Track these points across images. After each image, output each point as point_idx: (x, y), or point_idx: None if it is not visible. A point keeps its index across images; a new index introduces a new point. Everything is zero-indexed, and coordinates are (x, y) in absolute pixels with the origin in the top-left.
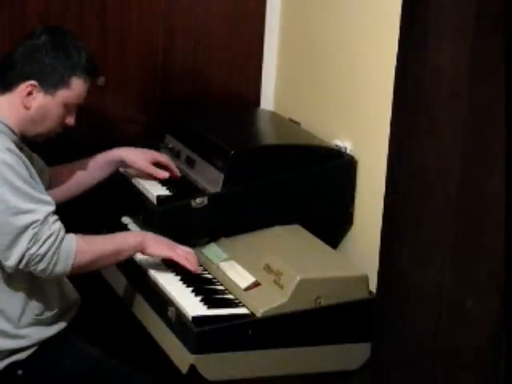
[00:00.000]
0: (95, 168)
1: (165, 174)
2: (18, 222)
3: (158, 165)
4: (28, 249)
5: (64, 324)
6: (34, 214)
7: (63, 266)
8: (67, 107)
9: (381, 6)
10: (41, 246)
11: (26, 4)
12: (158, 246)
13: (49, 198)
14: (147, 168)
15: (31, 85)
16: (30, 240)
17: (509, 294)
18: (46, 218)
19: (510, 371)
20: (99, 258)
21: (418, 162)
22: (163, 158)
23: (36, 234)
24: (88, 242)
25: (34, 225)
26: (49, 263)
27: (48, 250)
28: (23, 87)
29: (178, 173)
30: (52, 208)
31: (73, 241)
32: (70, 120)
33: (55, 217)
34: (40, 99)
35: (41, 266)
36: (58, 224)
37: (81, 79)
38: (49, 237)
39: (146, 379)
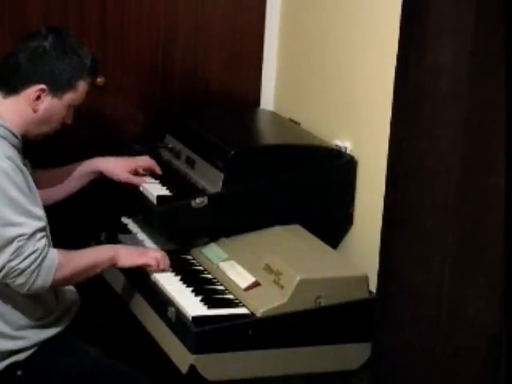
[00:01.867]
0: (73, 177)
1: (145, 181)
2: (5, 233)
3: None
4: (9, 261)
5: (63, 325)
6: (22, 228)
7: (42, 282)
8: (70, 108)
9: (381, 5)
10: (22, 261)
11: (26, 4)
12: (129, 257)
13: (41, 213)
14: (126, 179)
15: (40, 89)
16: (13, 253)
17: (509, 294)
18: (33, 234)
19: (510, 371)
20: (77, 273)
21: (417, 162)
22: (142, 161)
23: (20, 247)
24: (67, 258)
25: (20, 238)
26: (28, 278)
27: (29, 266)
28: (32, 91)
29: (159, 171)
30: (41, 224)
31: (54, 257)
32: (69, 119)
33: (42, 233)
34: (48, 102)
35: (19, 281)
36: (44, 241)
37: (86, 81)
38: (32, 253)
39: (146, 379)
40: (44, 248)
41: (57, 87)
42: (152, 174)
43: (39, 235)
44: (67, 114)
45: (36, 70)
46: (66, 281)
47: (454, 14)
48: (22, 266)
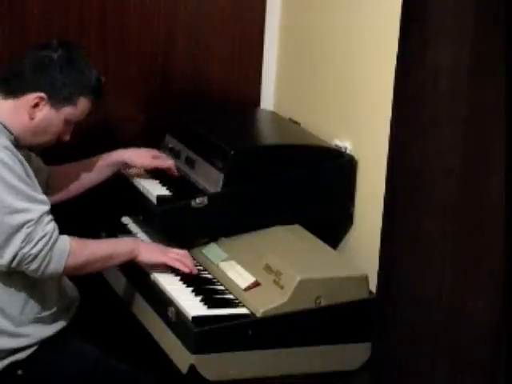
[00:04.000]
0: (96, 170)
1: (170, 163)
2: (12, 220)
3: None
4: (21, 248)
5: (64, 322)
6: (28, 214)
7: (55, 266)
8: (67, 123)
9: (381, 5)
10: (34, 246)
11: (26, 4)
12: (150, 252)
13: (44, 198)
14: (152, 163)
15: (39, 97)
16: (24, 239)
17: (509, 294)
18: (40, 218)
19: (510, 371)
20: (91, 262)
21: (418, 162)
22: (163, 156)
23: (29, 233)
24: (81, 244)
25: (28, 224)
26: (41, 263)
27: (41, 251)
28: (31, 97)
29: (176, 173)
30: (47, 207)
31: (66, 242)
32: (66, 137)
33: (50, 217)
34: (45, 112)
35: (33, 266)
36: (52, 224)
37: (87, 99)
38: (42, 237)
39: (146, 379)
40: (53, 231)
41: (56, 99)
42: (158, 172)
43: (46, 219)
44: (64, 129)
45: (38, 78)
46: (81, 268)
47: (454, 14)
48: (34, 251)
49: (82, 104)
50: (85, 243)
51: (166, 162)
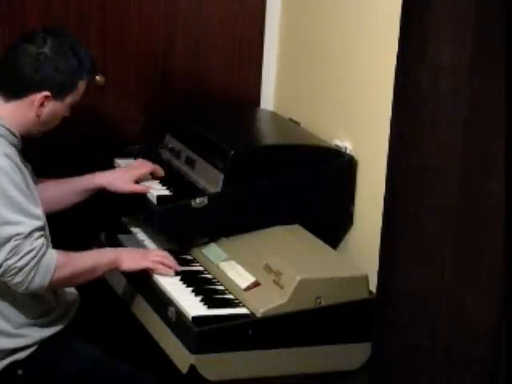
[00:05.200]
0: (75, 191)
1: (146, 189)
2: (2, 231)
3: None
4: (6, 259)
5: (64, 324)
6: (19, 227)
7: (40, 281)
8: (71, 107)
9: (381, 5)
10: (19, 259)
11: (26, 4)
12: (131, 260)
13: (39, 213)
14: (131, 190)
15: (45, 96)
16: (10, 251)
17: (509, 294)
18: (30, 233)
19: (510, 371)
20: (76, 275)
21: (417, 162)
22: (143, 168)
23: (17, 246)
24: (67, 258)
25: (17, 237)
26: (26, 277)
27: (26, 265)
28: (35, 98)
29: (162, 173)
30: (39, 223)
31: (53, 257)
32: (67, 113)
33: (40, 232)
34: (51, 106)
35: (17, 279)
36: (42, 240)
37: (85, 80)
38: (29, 251)
39: (146, 379)
40: (41, 247)
41: (60, 91)
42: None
43: (37, 234)
44: (66, 112)
45: (40, 78)
46: (65, 282)
47: (454, 13)
48: (19, 264)
49: (81, 85)
50: (70, 257)
51: (141, 189)
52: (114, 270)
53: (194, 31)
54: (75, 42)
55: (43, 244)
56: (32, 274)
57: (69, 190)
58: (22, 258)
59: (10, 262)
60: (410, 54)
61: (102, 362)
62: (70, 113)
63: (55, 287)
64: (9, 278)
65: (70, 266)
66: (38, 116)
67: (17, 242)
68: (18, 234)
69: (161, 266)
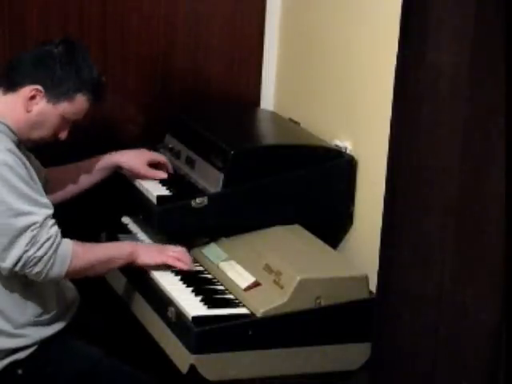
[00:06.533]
0: (91, 171)
1: (164, 175)
2: (17, 223)
3: (154, 165)
4: (26, 251)
5: (64, 323)
6: (33, 216)
7: (58, 270)
8: (64, 120)
9: (381, 5)
10: (38, 249)
11: (26, 4)
12: (148, 254)
13: (47, 201)
14: (146, 172)
15: (36, 89)
16: (28, 242)
17: (509, 294)
18: (44, 221)
19: (510, 371)
20: (92, 265)
21: (417, 162)
22: (160, 157)
23: (34, 236)
24: (83, 248)
25: (33, 227)
26: (44, 266)
27: (45, 254)
28: (27, 90)
29: (171, 170)
30: (50, 211)
31: (69, 246)
32: (63, 134)
33: (53, 220)
34: (42, 105)
35: (36, 269)
36: (56, 228)
37: (84, 97)
38: (47, 240)
39: (147, 379)
40: (57, 235)
41: (53, 93)
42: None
43: (50, 222)
44: (61, 126)
45: (36, 71)
46: (82, 271)
47: (454, 13)
48: (38, 254)
49: (79, 101)
50: (86, 247)
51: (158, 174)
52: (131, 263)
53: (194, 31)
54: (87, 58)
55: (58, 231)
56: (51, 262)
57: (86, 169)
58: (40, 247)
59: (29, 253)
60: (409, 54)
61: (102, 362)
62: (65, 134)
63: (72, 277)
64: (29, 269)
65: (87, 256)
66: (28, 111)
67: (34, 232)
68: (33, 224)
69: (178, 263)
